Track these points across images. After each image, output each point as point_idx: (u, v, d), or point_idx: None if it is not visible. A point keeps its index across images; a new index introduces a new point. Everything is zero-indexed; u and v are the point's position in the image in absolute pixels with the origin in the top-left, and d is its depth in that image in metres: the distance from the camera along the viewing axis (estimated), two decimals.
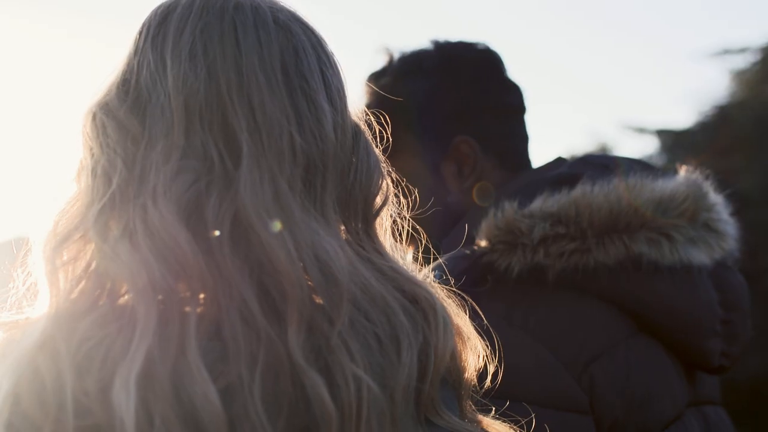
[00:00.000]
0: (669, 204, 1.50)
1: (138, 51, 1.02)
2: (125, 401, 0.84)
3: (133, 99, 0.99)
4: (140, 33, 1.03)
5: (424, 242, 1.12)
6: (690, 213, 1.51)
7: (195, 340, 0.88)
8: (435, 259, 1.52)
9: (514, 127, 1.75)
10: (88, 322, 0.90)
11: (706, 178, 1.59)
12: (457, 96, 1.71)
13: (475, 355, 1.06)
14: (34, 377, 0.87)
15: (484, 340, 1.08)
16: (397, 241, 1.09)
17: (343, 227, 1.02)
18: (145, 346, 0.87)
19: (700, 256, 1.51)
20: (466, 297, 1.09)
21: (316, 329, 0.92)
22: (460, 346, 1.05)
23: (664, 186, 1.52)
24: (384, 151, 1.65)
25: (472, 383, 1.07)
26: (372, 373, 0.93)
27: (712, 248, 1.54)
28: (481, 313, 1.11)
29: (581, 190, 1.49)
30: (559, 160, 1.71)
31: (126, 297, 0.93)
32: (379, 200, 1.06)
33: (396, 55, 1.75)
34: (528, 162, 1.76)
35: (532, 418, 1.16)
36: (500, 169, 1.71)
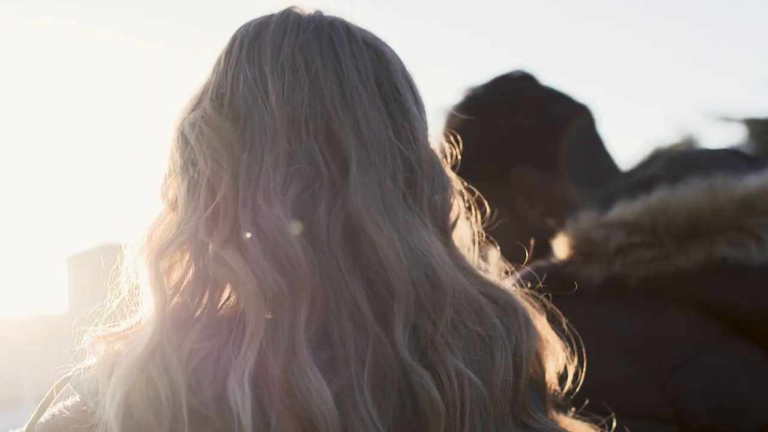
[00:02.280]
0: (756, 201, 1.46)
1: (231, 66, 1.04)
2: (241, 399, 0.87)
3: (232, 112, 1.02)
4: (231, 47, 1.06)
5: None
6: None
7: (305, 340, 0.91)
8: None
9: (567, 140, 1.76)
10: (195, 333, 0.92)
11: None
12: (499, 133, 1.74)
13: (555, 357, 1.09)
14: (146, 387, 0.89)
15: (566, 344, 1.11)
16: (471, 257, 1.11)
17: (436, 231, 1.05)
18: (256, 346, 0.90)
19: None
20: (545, 301, 1.11)
21: (420, 328, 0.95)
22: (540, 348, 1.07)
23: (751, 183, 1.48)
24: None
25: (554, 385, 1.09)
26: (473, 369, 0.96)
27: None
28: (561, 314, 1.12)
29: (657, 197, 1.48)
30: (654, 158, 1.71)
31: (231, 302, 0.96)
32: (453, 215, 1.10)
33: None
34: (606, 164, 1.76)
35: (612, 419, 1.17)
36: (571, 183, 1.72)
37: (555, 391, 1.09)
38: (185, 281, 0.97)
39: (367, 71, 1.04)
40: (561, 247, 1.51)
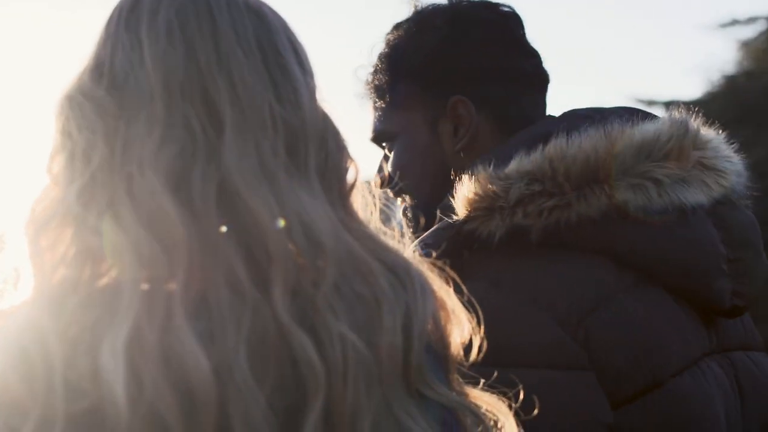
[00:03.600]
0: (652, 147, 1.46)
1: (110, 35, 1.04)
2: (113, 366, 0.85)
3: (109, 81, 1.01)
4: (111, 19, 1.06)
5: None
6: (676, 152, 1.47)
7: (182, 309, 0.89)
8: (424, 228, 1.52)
9: (520, 93, 1.70)
10: (74, 305, 0.91)
11: (694, 117, 1.54)
12: (459, 55, 1.69)
13: (460, 328, 1.06)
14: (21, 361, 0.87)
15: (470, 313, 1.09)
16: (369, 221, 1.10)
17: (324, 195, 1.04)
18: (131, 314, 0.88)
19: (695, 196, 1.47)
20: (448, 271, 1.09)
21: (301, 292, 0.94)
22: (444, 317, 1.05)
23: (646, 129, 1.48)
24: (390, 104, 1.72)
25: (459, 355, 1.07)
26: (357, 332, 0.94)
27: (709, 187, 1.49)
28: (463, 286, 1.10)
29: (554, 145, 1.46)
30: (548, 118, 1.68)
31: (111, 274, 0.94)
32: (350, 178, 1.08)
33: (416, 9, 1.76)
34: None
35: (520, 388, 1.15)
36: (499, 134, 1.67)
37: (460, 361, 1.07)
38: (69, 255, 0.95)
39: (246, 34, 1.03)
40: (459, 203, 1.48)
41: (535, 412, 1.15)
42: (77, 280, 0.93)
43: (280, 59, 1.04)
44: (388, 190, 1.73)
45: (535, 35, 1.76)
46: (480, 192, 1.45)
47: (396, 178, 1.68)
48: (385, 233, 1.08)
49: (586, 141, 1.45)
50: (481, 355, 1.07)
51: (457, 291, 1.09)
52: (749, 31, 13.37)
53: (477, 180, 1.46)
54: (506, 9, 1.73)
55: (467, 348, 1.08)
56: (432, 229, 1.50)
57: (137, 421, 0.85)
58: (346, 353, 0.92)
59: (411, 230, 1.52)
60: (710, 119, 1.65)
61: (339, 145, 1.07)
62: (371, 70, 1.74)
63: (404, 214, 1.72)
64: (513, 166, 1.46)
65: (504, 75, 1.69)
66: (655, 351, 1.43)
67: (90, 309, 0.90)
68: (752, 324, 1.66)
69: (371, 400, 0.93)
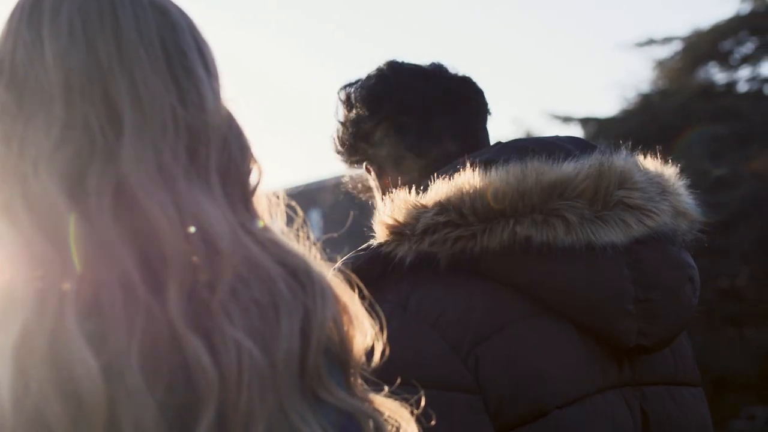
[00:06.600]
0: (566, 185, 1.51)
1: (11, 32, 1.02)
2: (1, 368, 0.84)
3: (9, 78, 0.99)
4: (12, 15, 1.03)
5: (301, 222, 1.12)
6: (590, 192, 1.51)
7: (73, 310, 0.88)
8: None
9: (475, 123, 1.86)
10: None
11: (633, 156, 1.61)
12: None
13: (363, 334, 1.06)
14: None
15: (376, 321, 1.08)
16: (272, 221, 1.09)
17: (225, 199, 1.03)
18: (22, 315, 0.87)
19: (609, 235, 1.50)
20: (353, 278, 1.09)
21: (196, 296, 0.93)
22: (346, 321, 1.04)
23: (566, 168, 1.52)
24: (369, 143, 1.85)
25: (361, 361, 1.06)
26: (252, 337, 0.93)
27: (629, 226, 1.52)
28: (370, 296, 1.11)
29: (465, 178, 1.52)
30: (496, 145, 1.74)
31: (6, 275, 0.92)
32: (253, 179, 1.07)
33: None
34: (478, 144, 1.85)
35: (421, 397, 1.15)
36: (417, 159, 1.81)
37: (362, 367, 1.06)
38: None
39: (150, 33, 1.01)
40: (378, 226, 1.55)
41: (432, 422, 1.18)
42: None
43: (184, 60, 1.02)
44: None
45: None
46: (394, 218, 1.52)
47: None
48: (288, 236, 1.07)
49: (497, 177, 1.51)
50: (378, 370, 1.08)
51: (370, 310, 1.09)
52: (665, 51, 13.72)
53: (395, 205, 1.53)
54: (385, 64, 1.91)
55: (370, 353, 1.07)
56: (354, 251, 1.56)
57: (22, 422, 0.84)
58: (240, 359, 0.91)
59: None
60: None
61: (242, 146, 1.06)
62: (349, 117, 1.88)
63: None
64: (429, 194, 1.52)
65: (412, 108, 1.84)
66: (538, 382, 1.47)
67: None
68: (690, 359, 1.69)
69: (265, 405, 0.92)
